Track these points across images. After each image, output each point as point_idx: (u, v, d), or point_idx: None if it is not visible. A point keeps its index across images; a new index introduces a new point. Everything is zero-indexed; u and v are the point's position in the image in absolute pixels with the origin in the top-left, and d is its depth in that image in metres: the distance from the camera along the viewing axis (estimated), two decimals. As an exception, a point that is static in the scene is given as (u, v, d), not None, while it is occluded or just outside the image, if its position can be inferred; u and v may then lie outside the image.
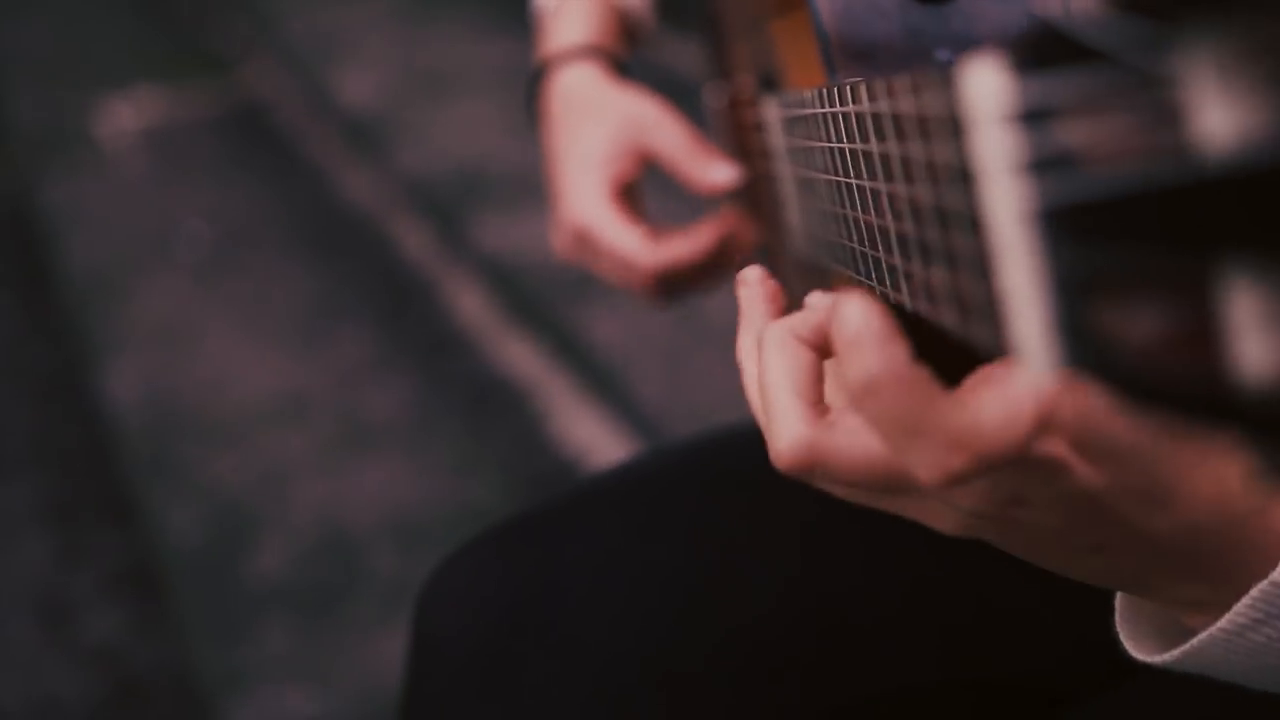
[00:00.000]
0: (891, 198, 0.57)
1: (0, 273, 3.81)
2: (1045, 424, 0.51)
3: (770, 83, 1.17)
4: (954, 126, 0.43)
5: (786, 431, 0.60)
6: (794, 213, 1.04)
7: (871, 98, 0.59)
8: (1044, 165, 0.38)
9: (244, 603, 2.35)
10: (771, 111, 1.08)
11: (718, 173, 1.20)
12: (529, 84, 1.36)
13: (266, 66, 4.65)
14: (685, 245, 1.22)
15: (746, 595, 1.00)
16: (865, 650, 0.98)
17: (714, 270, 1.27)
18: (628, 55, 1.37)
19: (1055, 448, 0.54)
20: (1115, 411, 0.48)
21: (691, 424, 2.40)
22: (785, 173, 1.04)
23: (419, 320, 3.19)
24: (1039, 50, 0.37)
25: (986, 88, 0.39)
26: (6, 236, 4.02)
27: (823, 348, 0.64)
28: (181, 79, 4.72)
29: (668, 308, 1.33)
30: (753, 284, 0.72)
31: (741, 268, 0.81)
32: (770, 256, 1.33)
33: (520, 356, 2.92)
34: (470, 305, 3.15)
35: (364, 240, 3.59)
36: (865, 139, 0.62)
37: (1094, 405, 0.51)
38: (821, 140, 0.78)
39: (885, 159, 0.58)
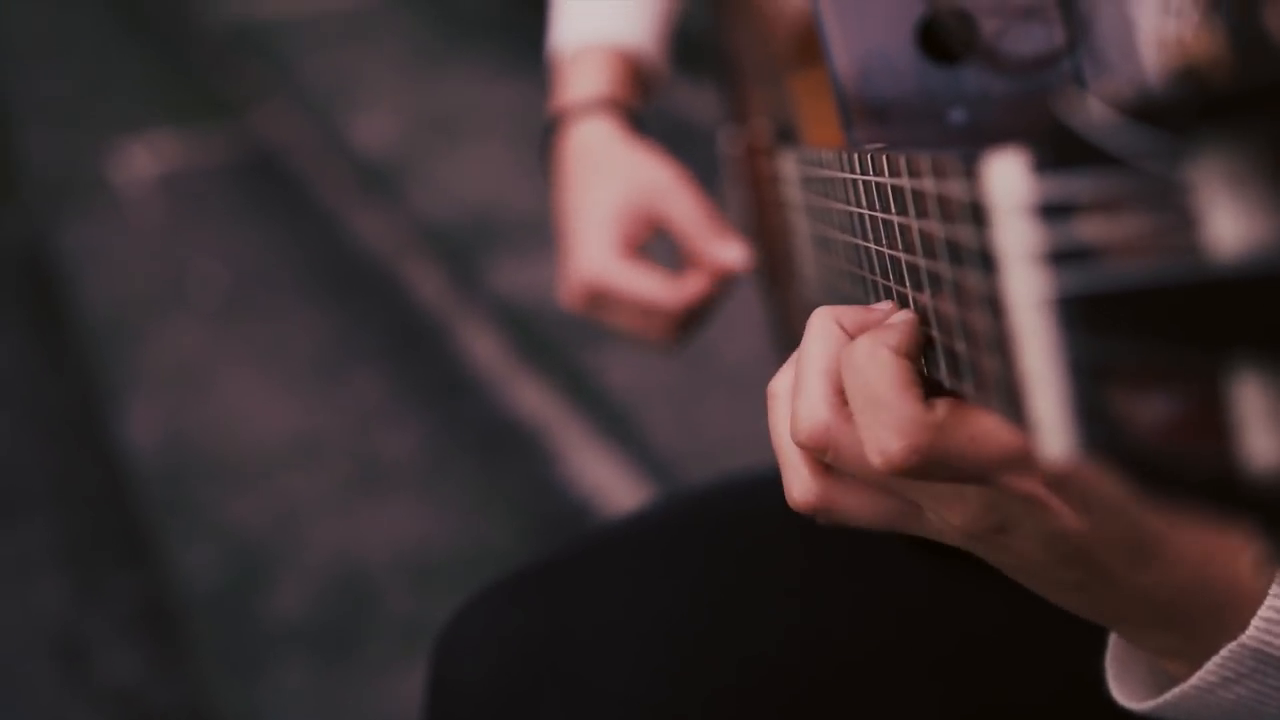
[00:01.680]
0: (910, 267, 0.60)
1: (18, 315, 3.84)
2: (1012, 458, 0.55)
3: (787, 135, 1.19)
4: (975, 213, 0.45)
5: (808, 410, 0.64)
6: (809, 264, 1.06)
7: (893, 171, 0.62)
8: (1062, 257, 0.40)
9: (260, 642, 2.37)
10: (789, 166, 1.10)
11: (729, 253, 1.22)
12: (542, 135, 1.37)
13: (281, 111, 4.69)
14: (702, 283, 1.23)
15: (754, 641, 1.02)
16: (868, 693, 1.01)
17: (723, 300, 1.28)
18: (643, 108, 1.38)
19: (1033, 486, 0.58)
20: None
21: (702, 466, 2.43)
22: (801, 227, 1.07)
23: (432, 362, 3.22)
24: (1059, 149, 0.40)
25: (1009, 182, 0.42)
26: (24, 280, 4.05)
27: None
28: (196, 123, 4.76)
29: (678, 350, 1.34)
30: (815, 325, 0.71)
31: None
32: (781, 295, 1.35)
33: (533, 399, 2.94)
34: (483, 348, 3.17)
35: (378, 283, 3.62)
36: (885, 209, 0.65)
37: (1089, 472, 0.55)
38: (840, 203, 0.81)
39: (905, 230, 0.60)
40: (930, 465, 0.56)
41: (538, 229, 1.34)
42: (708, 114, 1.51)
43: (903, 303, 0.64)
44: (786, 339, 1.41)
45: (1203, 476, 0.36)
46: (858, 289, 0.77)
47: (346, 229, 3.93)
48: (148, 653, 2.53)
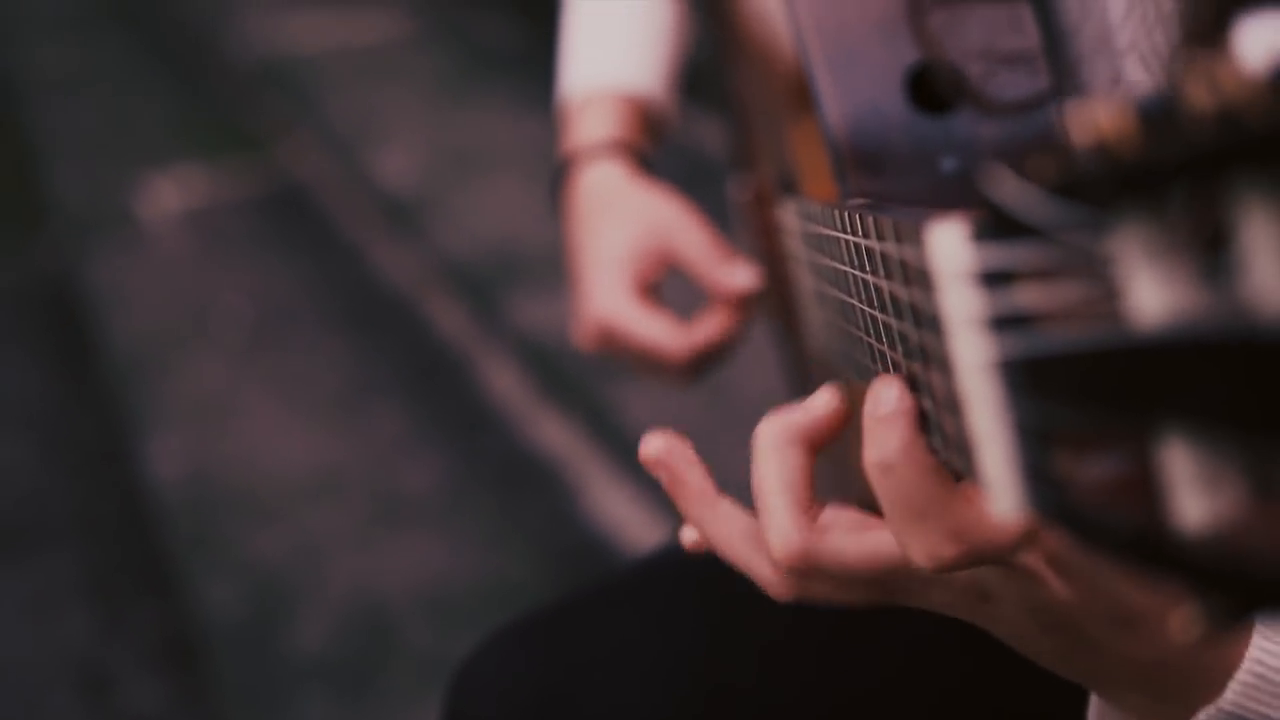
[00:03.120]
0: (885, 326, 0.62)
1: (44, 348, 3.87)
2: (1032, 537, 0.55)
3: (788, 184, 1.21)
4: (925, 278, 0.47)
5: (780, 536, 0.63)
6: (811, 317, 1.08)
7: (864, 233, 0.63)
8: (1002, 322, 0.42)
9: (282, 676, 2.38)
10: (790, 218, 1.11)
11: (738, 276, 1.23)
12: (553, 178, 1.39)
13: (305, 146, 4.72)
14: (713, 326, 1.25)
15: (768, 685, 1.03)
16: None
17: (738, 340, 1.30)
18: (652, 150, 1.40)
19: (1033, 560, 0.58)
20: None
21: (720, 502, 2.43)
22: (804, 279, 1.08)
23: (453, 397, 3.24)
24: (997, 220, 0.42)
25: (949, 249, 0.44)
26: (50, 313, 4.09)
27: (814, 446, 0.67)
28: (222, 158, 4.80)
29: (692, 386, 1.35)
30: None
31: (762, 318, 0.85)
32: (793, 343, 1.36)
33: (553, 433, 2.96)
34: (504, 382, 3.19)
35: (400, 317, 3.65)
36: (862, 267, 0.66)
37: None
38: (829, 258, 0.83)
39: (878, 290, 0.62)
40: (971, 562, 0.56)
41: (559, 264, 1.35)
42: (719, 148, 1.52)
43: (883, 361, 0.65)
44: (800, 387, 1.42)
45: (1136, 536, 0.37)
46: (849, 346, 0.78)
47: (369, 263, 3.96)
48: (170, 685, 2.55)
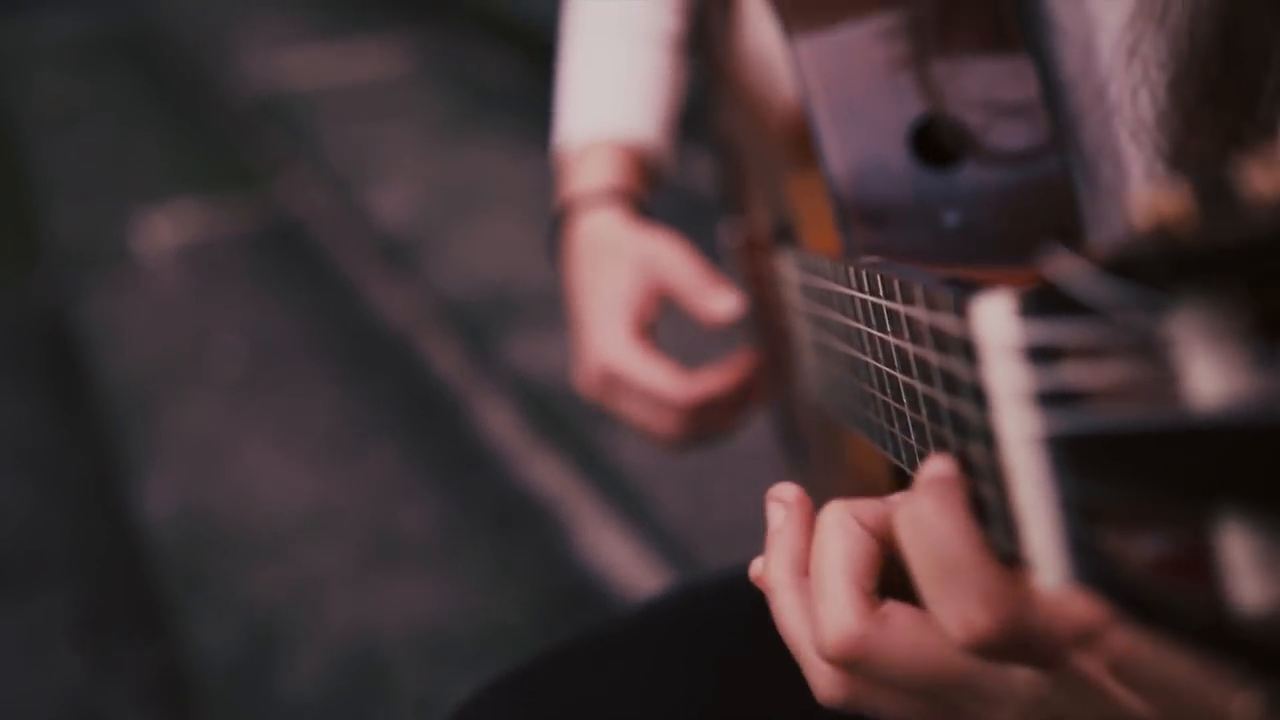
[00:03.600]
0: (908, 388, 0.61)
1: (38, 384, 3.87)
2: (1087, 633, 0.50)
3: (786, 234, 1.21)
4: (967, 349, 0.47)
5: (836, 620, 0.58)
6: (809, 368, 1.07)
7: (888, 294, 0.63)
8: (1050, 398, 0.42)
9: (275, 716, 2.37)
10: (788, 268, 1.11)
11: (722, 302, 1.24)
12: (550, 226, 1.40)
13: (302, 182, 4.73)
14: (714, 380, 1.25)
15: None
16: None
17: (738, 407, 1.30)
18: (649, 198, 1.41)
19: (1093, 667, 0.54)
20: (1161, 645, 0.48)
21: (714, 545, 2.44)
22: (801, 330, 1.08)
23: (449, 436, 3.23)
24: (1048, 297, 0.42)
25: (997, 323, 0.44)
26: (45, 348, 4.08)
27: (886, 539, 0.62)
28: (218, 193, 4.80)
29: (686, 451, 1.35)
30: (791, 504, 0.66)
31: (761, 403, 0.84)
32: (781, 390, 1.36)
33: (547, 474, 2.96)
34: (499, 422, 3.19)
35: (396, 356, 3.64)
36: (882, 328, 0.66)
37: (1139, 638, 0.50)
38: (838, 313, 0.82)
39: (900, 351, 0.62)
40: (1014, 643, 0.51)
41: (555, 304, 1.36)
42: (712, 187, 1.53)
43: (901, 422, 0.65)
44: (786, 434, 1.42)
45: (1193, 617, 0.37)
46: (858, 402, 0.78)
47: (366, 300, 3.96)
48: (162, 725, 2.54)
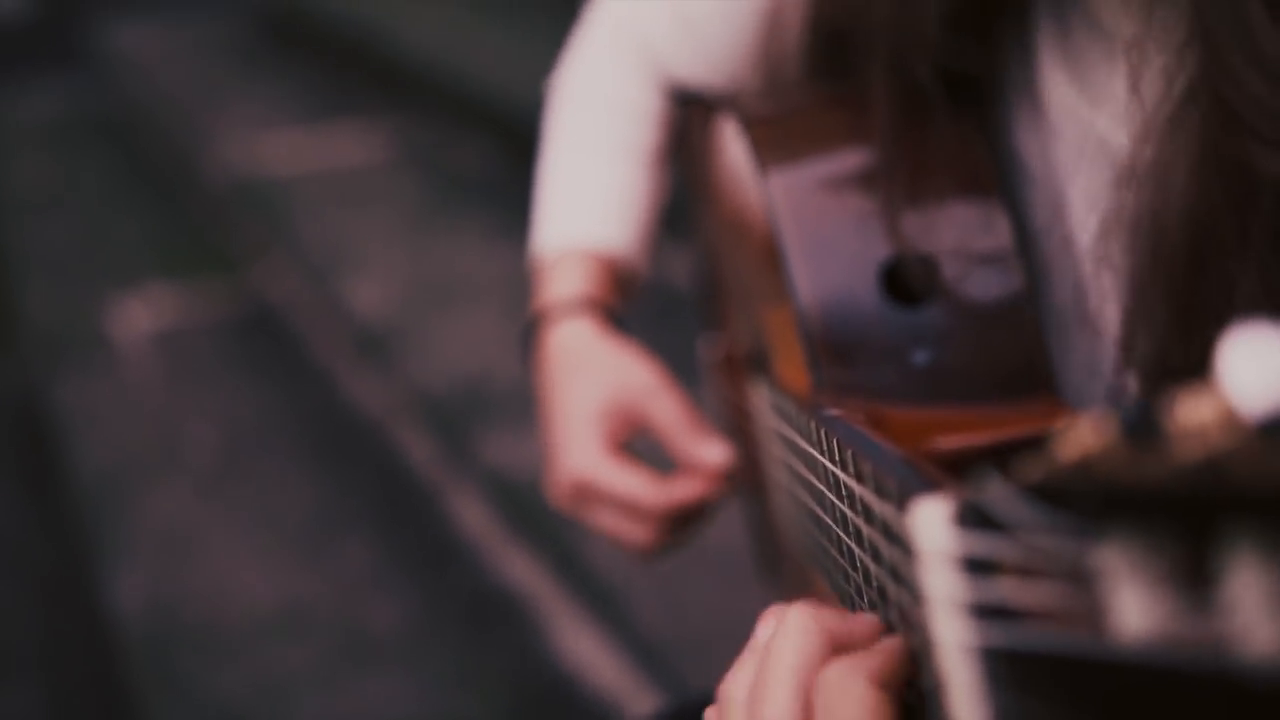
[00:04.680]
0: (862, 563, 0.62)
1: (10, 470, 3.85)
2: None
3: (760, 362, 1.22)
4: (906, 547, 0.48)
5: (774, 710, 0.59)
6: (780, 491, 1.08)
7: (843, 464, 0.64)
8: (985, 611, 0.43)
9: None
10: (761, 403, 1.12)
11: (711, 453, 1.24)
12: (523, 333, 1.41)
13: (280, 269, 4.74)
14: (691, 487, 1.25)
15: None
16: None
17: (712, 509, 1.30)
18: (622, 308, 1.42)
19: None
20: None
21: (687, 648, 2.43)
22: (774, 467, 1.09)
23: (422, 531, 3.22)
24: (984, 509, 0.43)
25: (933, 529, 0.44)
26: (18, 434, 4.07)
27: (839, 649, 0.62)
28: (195, 278, 4.81)
29: (658, 559, 1.35)
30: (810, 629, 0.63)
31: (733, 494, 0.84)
32: (756, 503, 1.37)
33: (521, 572, 2.95)
34: (473, 518, 3.18)
35: (370, 448, 3.64)
36: (839, 497, 0.66)
37: None
38: (804, 466, 0.83)
39: (855, 527, 0.62)
40: None
41: (530, 400, 1.36)
42: (688, 280, 1.54)
43: (858, 592, 0.65)
44: (760, 543, 1.42)
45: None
46: (820, 554, 0.78)
47: (340, 391, 3.96)
48: (127, 824, 2.52)
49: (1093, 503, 0.37)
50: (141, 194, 5.90)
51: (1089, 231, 0.93)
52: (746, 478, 1.38)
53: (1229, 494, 0.31)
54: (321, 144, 5.68)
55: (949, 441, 0.80)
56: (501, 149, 4.86)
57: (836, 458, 0.67)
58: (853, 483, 0.61)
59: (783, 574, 1.28)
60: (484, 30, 5.80)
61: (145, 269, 4.97)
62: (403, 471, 3.49)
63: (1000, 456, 0.82)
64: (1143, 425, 0.35)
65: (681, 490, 1.23)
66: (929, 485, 0.47)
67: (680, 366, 1.57)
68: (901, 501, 0.48)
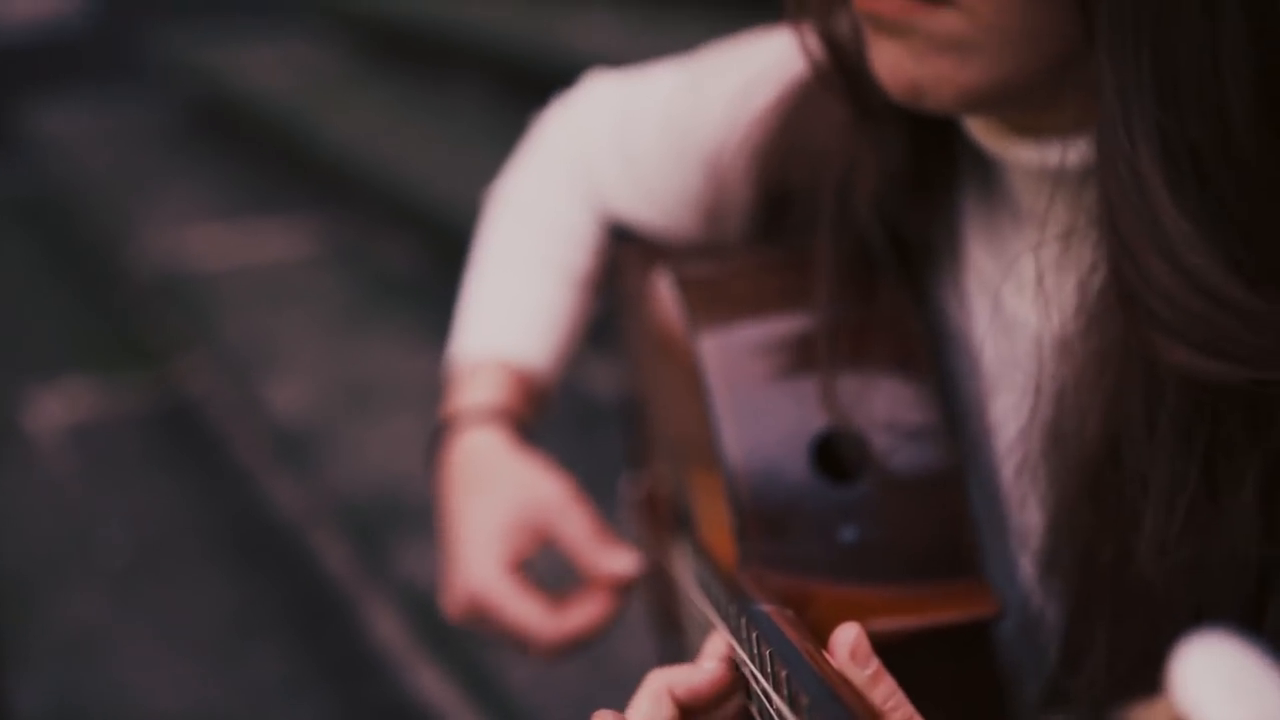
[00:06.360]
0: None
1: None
2: None
3: (684, 520, 1.22)
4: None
5: None
6: (694, 636, 1.08)
7: (760, 664, 0.64)
8: None
9: None
10: (683, 564, 1.12)
11: (619, 563, 1.24)
12: (431, 438, 1.40)
13: (200, 365, 4.70)
14: (586, 615, 1.25)
15: None
16: None
17: (610, 624, 1.30)
18: (533, 421, 1.41)
19: None
20: None
21: (602, 770, 2.41)
22: (688, 607, 1.09)
23: (335, 639, 3.19)
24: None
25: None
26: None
27: (689, 706, 0.74)
28: (113, 372, 4.76)
29: (559, 663, 1.35)
30: None
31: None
32: (670, 636, 1.37)
33: (433, 686, 2.92)
34: (386, 629, 3.16)
35: (285, 552, 3.61)
36: (747, 692, 0.67)
37: None
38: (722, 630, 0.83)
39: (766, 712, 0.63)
40: None
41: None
42: (610, 390, 1.54)
43: None
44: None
45: None
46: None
47: (258, 492, 3.93)
48: None
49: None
50: (61, 283, 5.85)
51: (1008, 423, 0.95)
52: (661, 614, 1.38)
53: None
54: (247, 239, 5.66)
55: (879, 623, 0.81)
56: (428, 248, 4.87)
57: (754, 652, 0.68)
58: (767, 685, 0.62)
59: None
60: (413, 128, 5.82)
61: (63, 361, 4.92)
62: (319, 578, 3.46)
63: (930, 642, 0.83)
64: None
65: (574, 621, 1.24)
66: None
67: (599, 476, 1.57)
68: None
